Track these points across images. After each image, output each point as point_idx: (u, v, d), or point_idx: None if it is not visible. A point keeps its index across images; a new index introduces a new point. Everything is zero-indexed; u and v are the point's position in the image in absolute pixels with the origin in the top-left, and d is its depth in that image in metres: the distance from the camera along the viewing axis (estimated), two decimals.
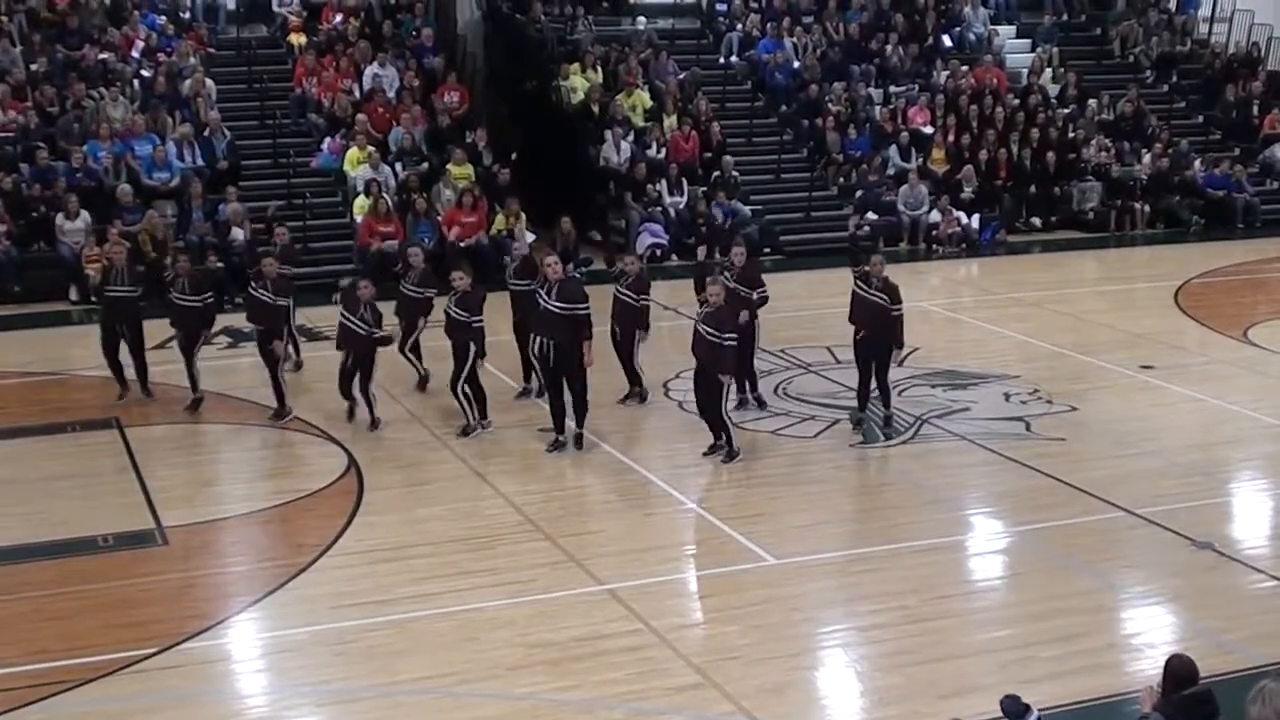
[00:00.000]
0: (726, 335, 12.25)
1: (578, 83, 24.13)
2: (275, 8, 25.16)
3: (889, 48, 26.43)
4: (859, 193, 23.73)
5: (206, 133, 21.64)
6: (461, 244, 20.68)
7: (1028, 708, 6.33)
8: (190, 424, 14.02)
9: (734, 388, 13.28)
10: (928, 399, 14.41)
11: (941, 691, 8.53)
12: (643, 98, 24.13)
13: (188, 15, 24.54)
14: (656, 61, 24.89)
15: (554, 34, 25.33)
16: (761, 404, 14.20)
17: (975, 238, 23.39)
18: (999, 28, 28.17)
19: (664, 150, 23.32)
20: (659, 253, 22.03)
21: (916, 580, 10.12)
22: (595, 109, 23.75)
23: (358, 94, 23.13)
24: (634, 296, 13.89)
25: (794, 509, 11.68)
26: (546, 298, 12.67)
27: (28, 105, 21.45)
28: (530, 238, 21.37)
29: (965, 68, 26.29)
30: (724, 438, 12.62)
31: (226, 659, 9.29)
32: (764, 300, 13.85)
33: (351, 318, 13.28)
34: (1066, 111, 26.15)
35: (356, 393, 13.59)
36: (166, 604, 9.91)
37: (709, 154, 23.57)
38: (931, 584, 10.08)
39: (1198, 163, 25.52)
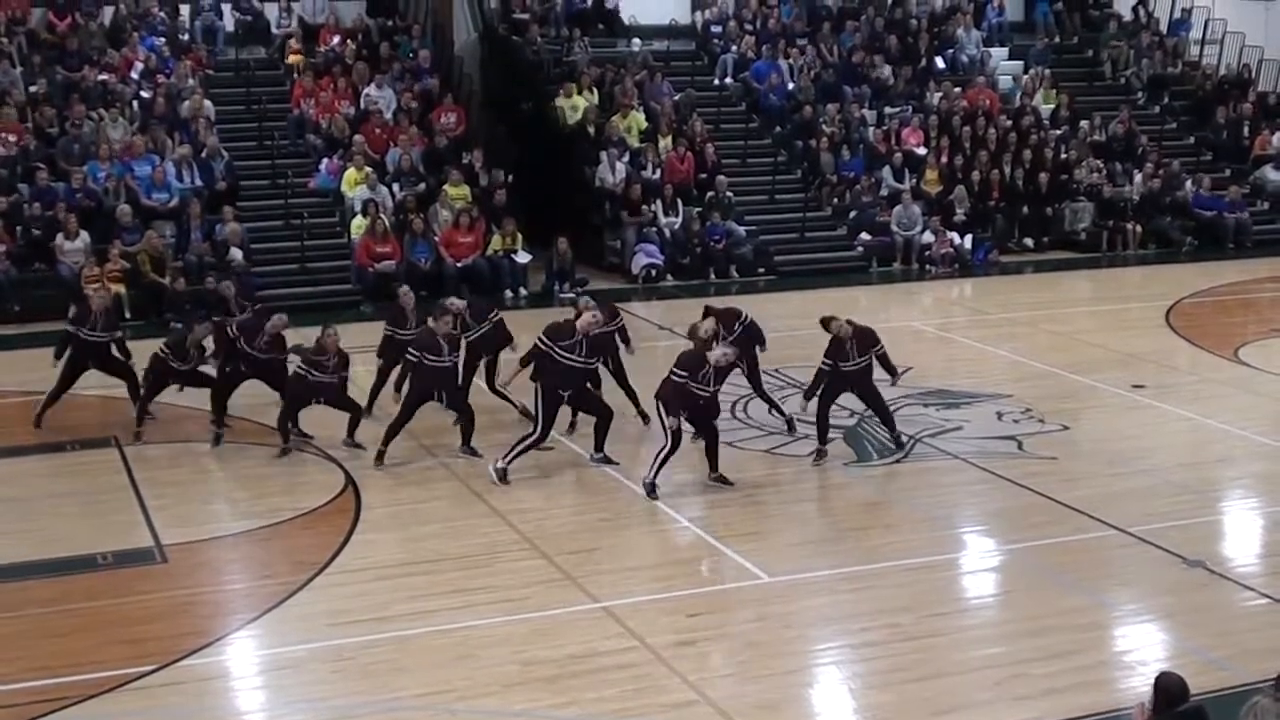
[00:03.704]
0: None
1: (574, 104, 24.23)
2: (274, 29, 25.33)
3: (883, 69, 26.61)
4: (853, 213, 23.88)
5: (205, 153, 21.75)
6: (459, 264, 20.82)
7: None
8: (188, 442, 14.08)
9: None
10: (920, 418, 14.48)
11: (934, 709, 8.60)
12: (638, 119, 24.26)
13: (186, 37, 24.63)
14: (652, 83, 25.03)
15: (550, 56, 25.47)
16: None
17: (968, 258, 23.52)
18: (992, 50, 28.31)
19: (659, 171, 23.43)
20: (654, 273, 22.17)
21: (909, 598, 10.20)
22: (591, 130, 23.87)
23: (355, 115, 23.27)
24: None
25: (788, 527, 11.78)
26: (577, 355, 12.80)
27: (27, 126, 21.55)
28: (527, 257, 21.57)
29: (958, 89, 26.45)
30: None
31: (225, 676, 9.35)
32: None
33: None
34: (1059, 133, 26.31)
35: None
36: (166, 621, 9.97)
37: (704, 175, 23.68)
38: (924, 601, 10.16)
39: (1189, 183, 25.68)
